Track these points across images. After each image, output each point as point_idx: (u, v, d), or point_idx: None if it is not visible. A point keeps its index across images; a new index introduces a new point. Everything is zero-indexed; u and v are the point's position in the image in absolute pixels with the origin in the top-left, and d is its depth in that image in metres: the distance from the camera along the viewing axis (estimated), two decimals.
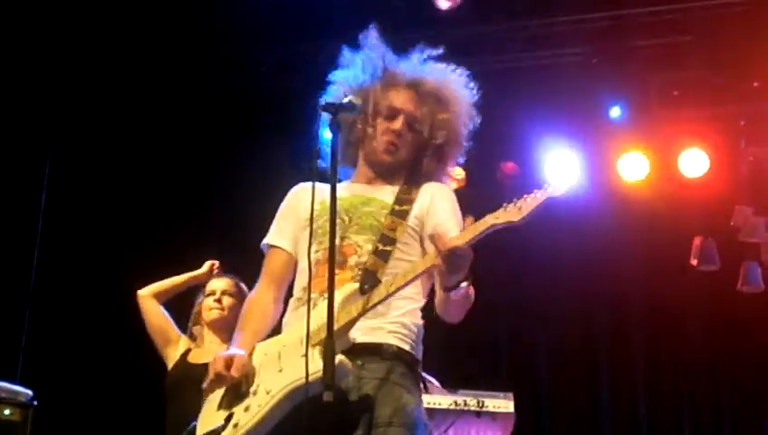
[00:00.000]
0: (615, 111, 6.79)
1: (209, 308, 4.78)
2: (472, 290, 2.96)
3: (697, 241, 6.89)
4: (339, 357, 2.78)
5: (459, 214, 3.19)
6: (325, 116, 2.94)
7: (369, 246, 3.09)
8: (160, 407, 4.74)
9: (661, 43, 6.57)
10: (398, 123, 3.25)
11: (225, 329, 4.70)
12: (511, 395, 5.69)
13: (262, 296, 3.24)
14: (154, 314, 4.86)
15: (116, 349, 6.71)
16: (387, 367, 2.98)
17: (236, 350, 3.05)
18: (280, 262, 3.27)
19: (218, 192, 7.16)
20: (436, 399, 5.37)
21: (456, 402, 5.61)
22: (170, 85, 6.89)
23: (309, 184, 3.17)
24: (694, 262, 6.89)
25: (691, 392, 7.11)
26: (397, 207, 3.18)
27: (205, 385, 3.05)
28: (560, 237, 6.91)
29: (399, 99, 3.28)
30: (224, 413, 3.00)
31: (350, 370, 2.85)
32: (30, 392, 5.35)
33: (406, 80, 3.32)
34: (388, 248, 3.09)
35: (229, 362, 2.99)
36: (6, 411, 5.26)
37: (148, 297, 4.89)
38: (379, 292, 2.92)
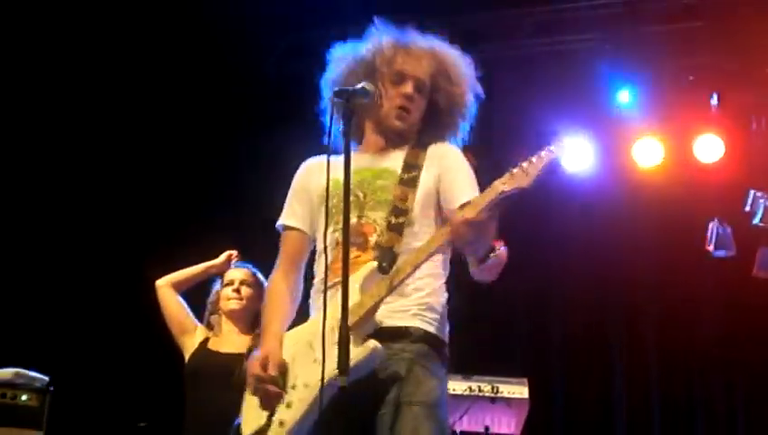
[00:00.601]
0: (624, 96, 6.76)
1: (228, 298, 4.78)
2: (505, 253, 2.97)
3: (712, 226, 6.86)
4: (372, 344, 2.86)
5: (471, 173, 3.17)
6: (338, 102, 2.93)
7: (385, 223, 3.09)
8: (176, 392, 4.76)
9: (675, 29, 6.54)
10: (408, 87, 3.22)
11: (244, 319, 4.72)
12: (525, 381, 5.71)
13: (283, 281, 3.23)
14: (171, 303, 4.87)
15: (131, 335, 6.75)
16: (413, 349, 3.00)
17: (269, 346, 3.04)
18: (296, 243, 3.26)
19: (233, 179, 7.18)
20: (452, 385, 5.38)
21: (470, 388, 5.63)
22: (183, 74, 6.90)
23: (317, 160, 3.25)
24: (709, 247, 6.86)
25: (705, 378, 7.10)
26: (405, 175, 3.15)
27: (248, 390, 3.05)
28: (574, 224, 6.91)
29: (408, 64, 3.24)
30: (266, 412, 3.01)
31: (383, 355, 2.90)
32: (46, 378, 5.40)
33: (413, 46, 3.28)
34: (401, 220, 3.07)
35: (265, 362, 3.00)
36: (24, 397, 5.31)
37: (166, 287, 4.90)
38: (400, 271, 2.93)
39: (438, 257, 3.11)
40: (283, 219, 3.30)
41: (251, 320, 4.68)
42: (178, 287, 4.92)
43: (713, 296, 7.08)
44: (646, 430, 7.08)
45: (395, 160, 3.21)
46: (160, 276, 4.96)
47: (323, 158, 3.13)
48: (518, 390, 5.70)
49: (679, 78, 6.69)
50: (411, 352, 3.00)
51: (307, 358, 2.98)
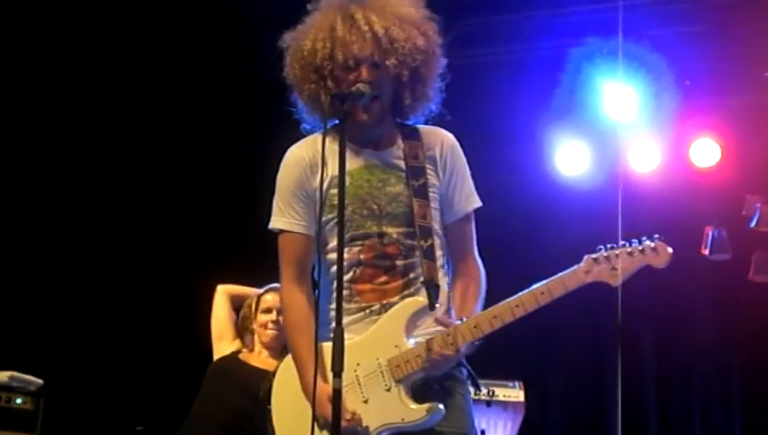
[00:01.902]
0: (620, 100, 6.75)
1: (265, 326, 4.74)
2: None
3: (709, 230, 6.87)
4: (436, 406, 2.91)
5: (467, 170, 3.14)
6: (334, 106, 2.90)
7: (409, 242, 3.02)
8: (172, 396, 4.77)
9: (672, 33, 6.54)
10: (362, 73, 3.01)
11: (278, 348, 4.72)
12: (521, 384, 5.71)
13: (297, 292, 3.10)
14: (223, 310, 4.93)
15: (126, 338, 6.74)
16: (445, 374, 3.02)
17: (318, 382, 2.91)
18: (302, 248, 3.11)
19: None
20: None
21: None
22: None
23: (305, 151, 3.13)
24: (705, 251, 6.88)
25: (701, 382, 7.10)
26: (415, 183, 3.04)
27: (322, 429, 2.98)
28: (570, 227, 6.90)
29: (353, 45, 3.00)
30: None
31: (442, 416, 2.92)
32: (41, 381, 5.39)
33: (343, 20, 3.02)
34: (429, 242, 3.03)
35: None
36: (19, 400, 5.30)
37: (224, 294, 4.96)
38: (464, 334, 2.93)
39: (440, 241, 3.09)
40: (284, 224, 3.12)
41: (284, 345, 4.66)
42: (234, 300, 4.96)
43: (709, 300, 7.08)
44: (643, 433, 7.07)
45: (395, 154, 3.10)
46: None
47: (311, 147, 3.11)
48: (514, 393, 5.70)
49: (676, 82, 6.68)
50: (445, 380, 3.03)
51: (355, 394, 2.96)
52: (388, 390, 2.92)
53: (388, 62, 2.99)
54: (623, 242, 2.75)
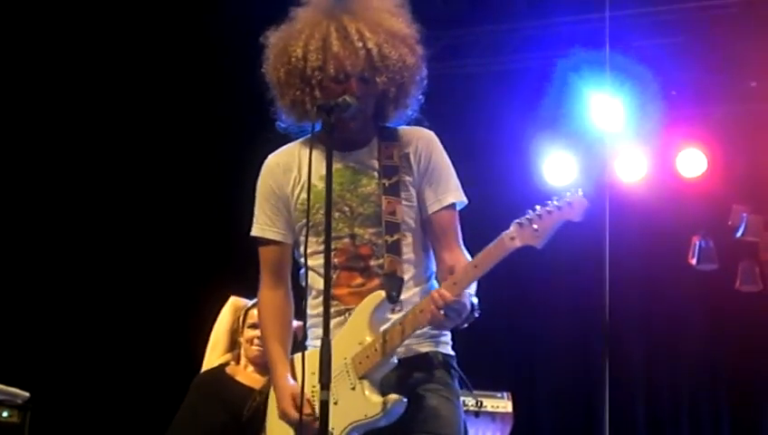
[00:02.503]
0: (606, 111, 6.77)
1: (251, 342, 4.67)
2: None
3: (695, 240, 6.89)
4: (393, 397, 2.86)
5: (448, 164, 3.11)
6: (320, 116, 2.89)
7: (381, 241, 3.01)
8: (158, 409, 4.75)
9: (658, 44, 6.57)
10: (351, 86, 2.99)
11: (264, 362, 4.66)
12: (509, 395, 5.71)
13: (275, 296, 3.14)
14: (225, 321, 4.83)
15: (113, 352, 6.71)
16: (434, 378, 2.99)
17: (285, 381, 3.01)
18: (279, 256, 3.14)
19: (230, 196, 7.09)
20: None
21: (463, 402, 5.62)
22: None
23: (282, 157, 3.15)
24: (692, 261, 6.90)
25: (690, 391, 7.11)
26: (386, 182, 3.04)
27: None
28: (558, 237, 6.90)
29: (345, 60, 2.98)
30: None
31: (403, 408, 2.89)
32: (27, 394, 5.36)
33: (337, 32, 3.00)
34: (396, 237, 3.01)
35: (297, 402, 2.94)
36: (5, 413, 5.27)
37: (232, 306, 4.84)
38: (410, 322, 2.87)
39: (418, 238, 3.08)
40: (260, 231, 3.15)
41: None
42: (239, 314, 4.86)
43: (696, 310, 7.10)
44: None
45: (369, 154, 3.09)
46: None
47: (287, 154, 3.13)
48: (502, 404, 5.70)
49: (662, 93, 6.71)
50: (433, 383, 2.99)
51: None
52: (353, 388, 2.92)
53: (378, 79, 3.00)
54: (545, 202, 2.75)
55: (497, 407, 5.69)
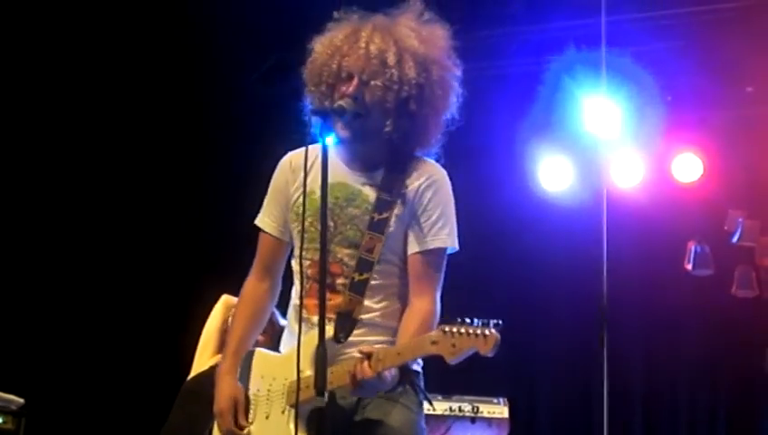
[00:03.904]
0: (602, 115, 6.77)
1: None
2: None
3: (691, 245, 6.89)
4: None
5: (448, 213, 3.06)
6: (316, 121, 2.89)
7: (353, 263, 3.01)
8: (153, 415, 4.72)
9: (653, 49, 6.57)
10: (350, 87, 3.02)
11: None
12: (506, 400, 5.70)
13: (256, 289, 3.20)
14: (215, 320, 4.83)
15: (108, 357, 6.69)
16: (394, 389, 2.96)
17: (232, 385, 3.07)
18: (272, 249, 3.20)
19: (210, 203, 7.10)
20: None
21: (450, 408, 5.62)
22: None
23: (298, 157, 3.14)
24: (688, 266, 6.89)
25: (687, 396, 7.10)
26: (376, 216, 3.02)
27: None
28: (555, 243, 6.91)
29: (346, 57, 3.02)
30: None
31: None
32: (22, 401, 5.34)
33: (352, 32, 3.05)
34: (364, 277, 3.00)
35: (235, 408, 3.04)
36: None
37: (224, 305, 4.84)
38: (336, 377, 2.85)
39: (396, 280, 3.07)
40: (261, 223, 3.22)
41: None
42: (229, 314, 4.84)
43: (693, 315, 7.09)
44: None
45: (372, 181, 3.08)
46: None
47: (299, 156, 3.12)
48: (498, 410, 5.69)
49: (658, 97, 6.71)
50: (388, 395, 2.97)
51: (262, 408, 3.03)
52: (283, 412, 2.95)
53: (373, 83, 2.99)
54: (470, 320, 2.73)
55: (493, 412, 5.68)
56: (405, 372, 2.94)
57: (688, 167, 6.85)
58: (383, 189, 3.05)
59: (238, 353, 3.13)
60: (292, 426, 2.90)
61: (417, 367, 3.08)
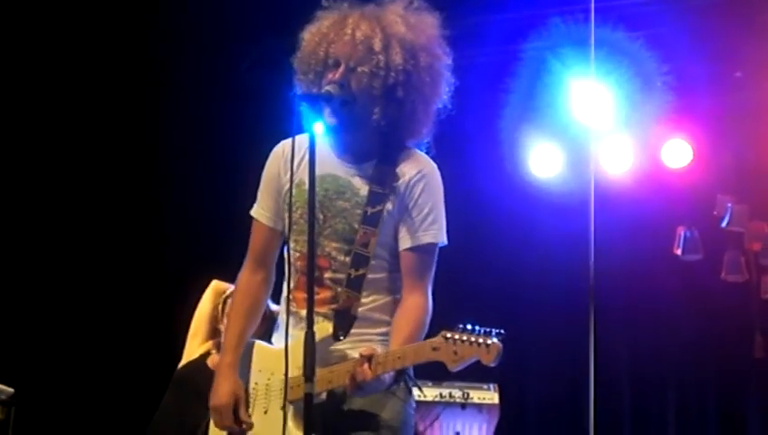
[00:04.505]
0: (589, 100, 6.76)
1: None
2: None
3: (681, 231, 6.91)
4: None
5: (438, 208, 3.06)
6: (304, 109, 2.88)
7: (342, 258, 3.01)
8: (145, 406, 4.72)
9: (644, 34, 6.56)
10: (336, 73, 3.01)
11: None
12: (496, 386, 5.71)
13: (250, 281, 3.17)
14: (205, 306, 4.78)
15: (99, 347, 6.68)
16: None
17: (232, 381, 3.04)
18: (265, 238, 3.17)
19: (197, 190, 7.07)
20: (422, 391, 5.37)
21: (441, 395, 5.63)
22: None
23: (290, 146, 3.06)
24: (677, 251, 6.91)
25: (675, 382, 7.13)
26: (369, 210, 3.02)
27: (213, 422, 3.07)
28: (545, 229, 6.92)
29: (332, 44, 3.01)
30: None
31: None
32: (12, 390, 5.33)
33: (339, 20, 3.04)
34: (361, 272, 3.00)
35: (236, 405, 3.01)
36: None
37: (213, 291, 4.80)
38: (337, 377, 2.87)
39: (385, 274, 3.06)
40: (256, 213, 3.20)
41: None
42: (219, 301, 4.81)
43: (682, 300, 7.11)
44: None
45: (362, 173, 3.07)
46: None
47: (298, 143, 3.07)
48: (489, 396, 5.71)
49: (648, 83, 6.71)
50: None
51: (261, 403, 3.02)
52: (282, 408, 2.94)
53: (359, 69, 2.98)
54: (473, 328, 2.74)
55: (484, 399, 5.70)
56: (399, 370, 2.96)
57: (678, 152, 6.86)
58: (375, 182, 3.04)
59: (238, 348, 3.10)
60: (290, 423, 2.90)
61: None
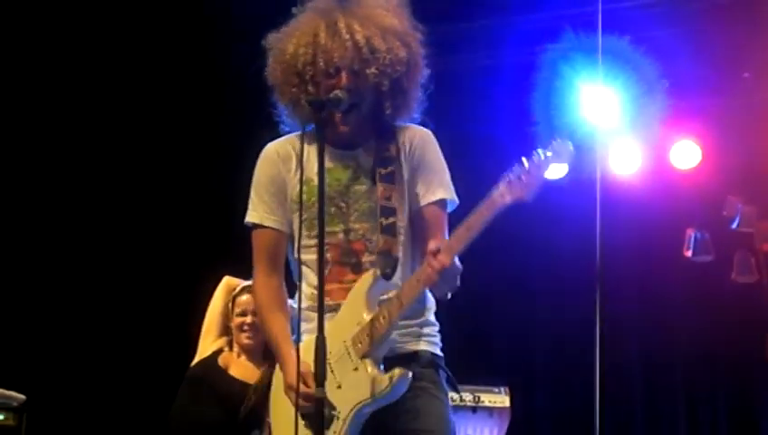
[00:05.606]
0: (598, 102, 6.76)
1: (240, 328, 4.65)
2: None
3: (691, 232, 6.89)
4: (399, 371, 2.86)
5: (444, 167, 3.12)
6: (310, 112, 2.90)
7: (376, 237, 3.01)
8: (156, 412, 4.72)
9: (650, 36, 6.55)
10: (342, 79, 3.02)
11: (256, 352, 4.64)
12: (507, 389, 5.70)
13: (269, 287, 3.13)
14: (218, 303, 4.79)
15: (110, 354, 6.69)
16: (423, 376, 2.98)
17: (293, 362, 2.91)
18: (275, 243, 3.14)
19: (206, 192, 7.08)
20: None
21: (451, 398, 5.60)
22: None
23: (281, 148, 3.14)
24: (688, 253, 6.90)
25: (687, 383, 7.11)
26: (383, 171, 3.05)
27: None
28: (554, 231, 6.90)
29: (334, 53, 3.00)
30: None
31: (409, 382, 2.88)
32: (23, 397, 5.34)
33: (327, 27, 3.03)
34: (392, 220, 3.01)
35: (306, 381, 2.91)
36: (0, 416, 5.25)
37: (226, 287, 4.80)
38: (403, 296, 2.87)
39: (417, 258, 3.07)
40: (259, 219, 3.15)
41: (263, 349, 4.57)
42: (230, 299, 4.80)
43: (692, 302, 7.09)
44: None
45: (366, 154, 3.10)
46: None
47: (287, 144, 3.12)
48: (500, 399, 5.70)
49: (656, 84, 6.70)
50: (421, 380, 2.97)
51: (330, 382, 2.90)
52: (356, 369, 2.90)
53: (367, 71, 3.00)
54: (531, 154, 2.74)
55: (495, 402, 5.69)
56: (430, 356, 2.99)
57: (687, 154, 6.85)
58: (378, 151, 3.08)
59: (287, 340, 3.04)
60: (374, 372, 2.87)
61: (440, 351, 3.10)
